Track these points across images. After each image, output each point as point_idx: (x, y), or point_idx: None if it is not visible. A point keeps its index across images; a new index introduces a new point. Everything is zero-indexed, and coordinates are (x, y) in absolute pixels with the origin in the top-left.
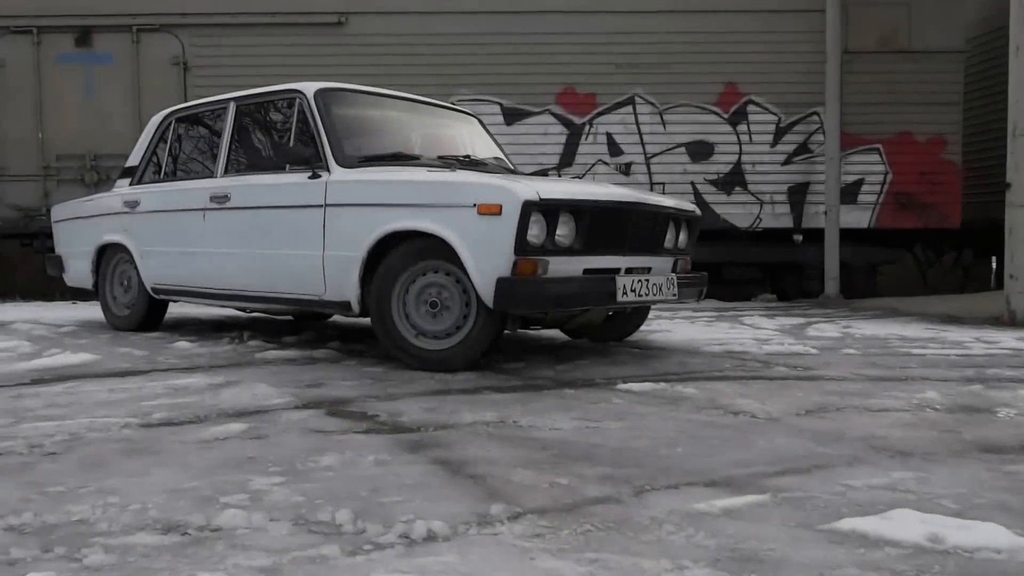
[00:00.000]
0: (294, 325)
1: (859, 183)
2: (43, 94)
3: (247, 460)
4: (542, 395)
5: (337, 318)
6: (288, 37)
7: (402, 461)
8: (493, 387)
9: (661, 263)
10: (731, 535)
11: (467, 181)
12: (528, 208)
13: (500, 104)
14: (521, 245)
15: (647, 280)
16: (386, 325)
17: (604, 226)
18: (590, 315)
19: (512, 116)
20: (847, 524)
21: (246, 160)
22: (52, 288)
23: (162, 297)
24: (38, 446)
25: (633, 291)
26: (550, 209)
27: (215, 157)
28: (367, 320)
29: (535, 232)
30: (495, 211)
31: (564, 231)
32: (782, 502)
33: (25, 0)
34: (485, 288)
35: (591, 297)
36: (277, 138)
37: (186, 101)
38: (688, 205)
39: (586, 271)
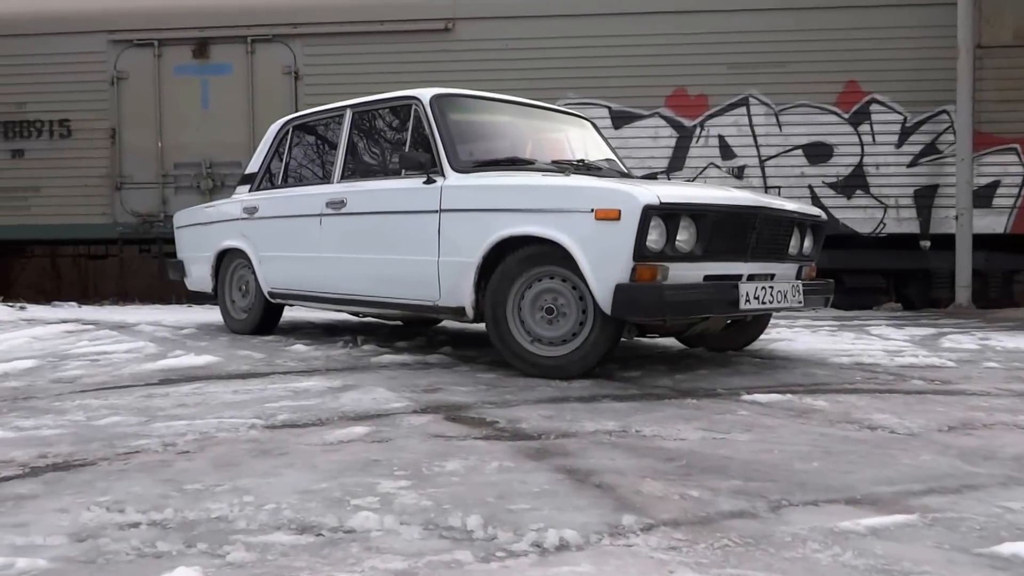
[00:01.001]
0: (404, 330)
1: (994, 185)
2: (162, 105)
3: (372, 463)
4: (663, 404)
5: (446, 323)
6: (396, 44)
7: (526, 468)
8: (612, 395)
9: (785, 269)
10: (880, 556)
11: (584, 185)
12: (648, 213)
13: (608, 108)
14: (640, 251)
15: (771, 287)
16: (501, 331)
17: (726, 231)
18: (709, 323)
19: (621, 119)
20: (1009, 549)
21: (362, 166)
22: (168, 292)
23: (278, 301)
24: (171, 444)
25: (756, 298)
26: (670, 214)
27: (331, 163)
28: (478, 326)
29: (654, 237)
30: (613, 216)
31: (685, 236)
32: (933, 523)
33: (147, 14)
34: (603, 295)
35: (712, 304)
36: (392, 144)
37: (297, 109)
38: (814, 209)
39: (707, 277)
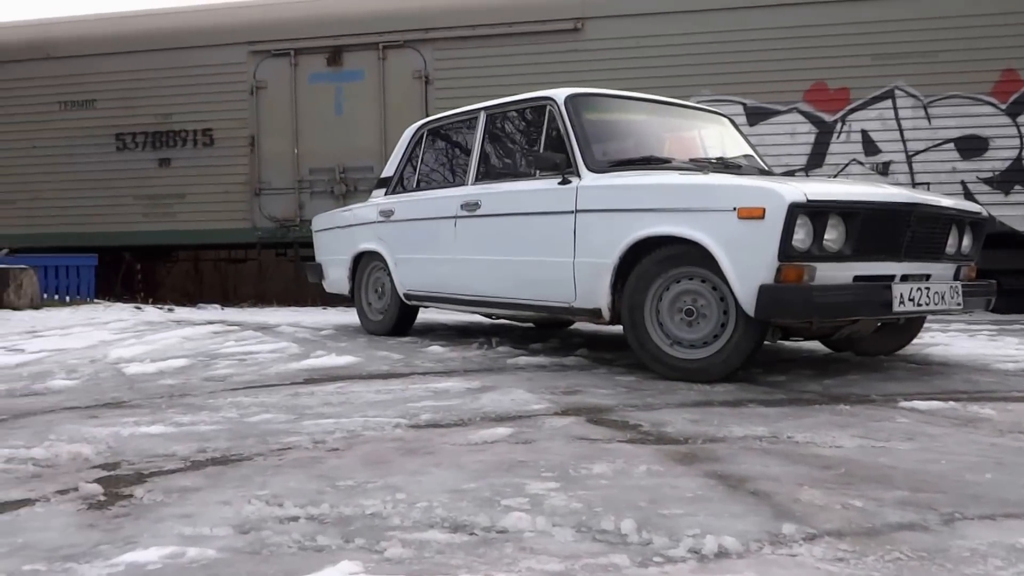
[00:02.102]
0: (537, 332)
1: None
2: (298, 112)
3: (518, 464)
4: (813, 410)
5: (579, 325)
6: (525, 46)
7: (675, 473)
8: (758, 400)
9: (942, 270)
10: None
11: (726, 183)
12: (794, 211)
13: (743, 104)
14: (786, 250)
15: (927, 288)
16: (638, 333)
17: (878, 229)
18: (858, 326)
19: (756, 116)
20: None
21: (496, 168)
22: (304, 294)
23: (414, 303)
24: (321, 442)
25: (911, 300)
26: (818, 211)
27: (465, 165)
28: (614, 328)
29: (801, 236)
30: (757, 214)
31: (833, 235)
32: None
33: (284, 25)
34: (746, 296)
35: (863, 307)
36: (527, 145)
37: (427, 113)
38: (973, 206)
39: (857, 278)
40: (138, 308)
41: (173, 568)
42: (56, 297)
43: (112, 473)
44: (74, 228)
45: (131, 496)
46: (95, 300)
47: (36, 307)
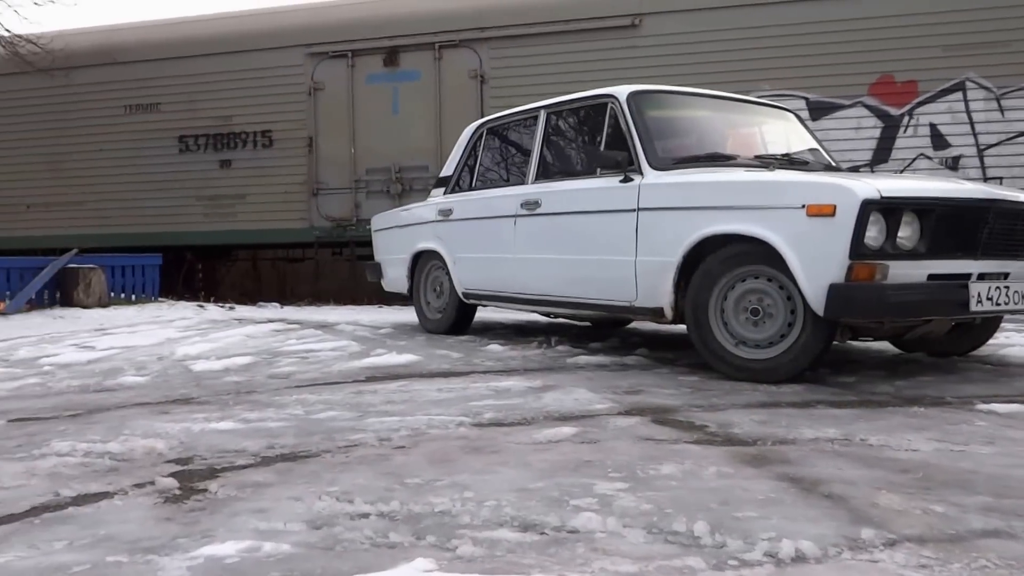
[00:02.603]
0: (595, 331)
1: None
2: (355, 113)
3: (585, 464)
4: (886, 412)
5: (636, 324)
6: (581, 43)
7: (746, 475)
8: (827, 401)
9: (1021, 268)
10: None
11: (794, 180)
12: (867, 207)
13: (806, 99)
14: (857, 248)
15: (1006, 287)
16: (703, 333)
17: (954, 226)
18: (932, 326)
19: (819, 111)
20: None
21: (557, 166)
22: (360, 293)
23: (472, 302)
24: (387, 440)
25: (989, 299)
26: (891, 208)
27: (525, 164)
28: (674, 327)
29: (873, 234)
30: (827, 212)
31: (907, 232)
32: None
33: (341, 27)
34: (815, 295)
35: (938, 306)
36: (588, 143)
37: (483, 112)
38: None
39: (931, 276)
40: (201, 306)
41: (250, 562)
42: (122, 296)
43: (185, 468)
44: (139, 228)
45: (205, 491)
46: (159, 299)
47: (104, 305)
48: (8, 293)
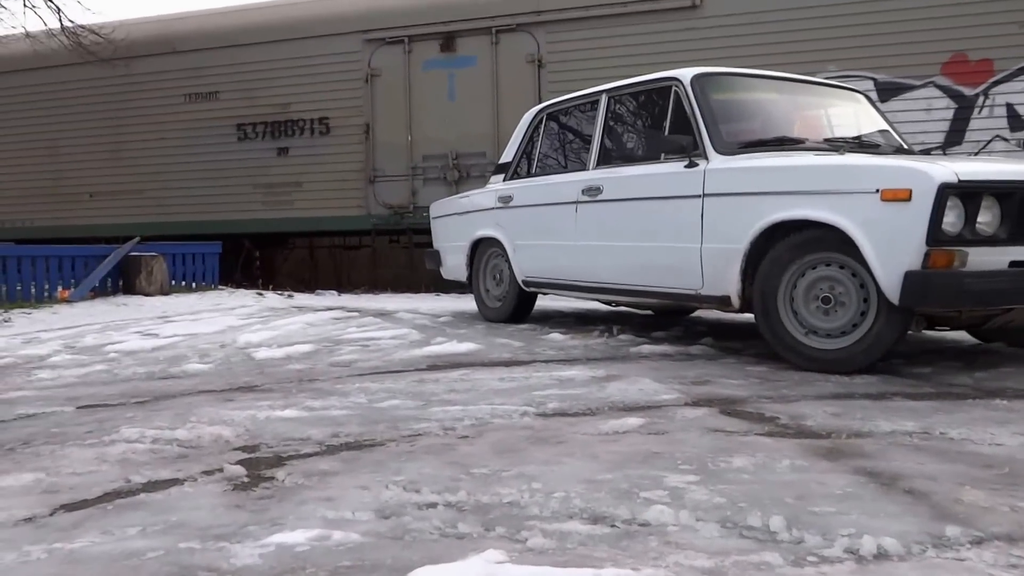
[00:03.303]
0: (658, 320)
1: None
2: (411, 99)
3: (653, 455)
4: (966, 405)
5: (700, 313)
6: (639, 26)
7: (821, 469)
8: (903, 393)
9: None
10: None
11: (868, 164)
12: (944, 192)
13: (874, 79)
14: (935, 234)
15: None
16: (771, 322)
17: None
18: (1013, 315)
19: (888, 92)
20: None
21: (618, 152)
22: (418, 281)
23: (532, 290)
24: (451, 429)
25: None
26: (970, 192)
27: (586, 150)
28: (740, 316)
29: (952, 219)
30: (903, 196)
31: (987, 218)
32: None
33: (398, 13)
34: (890, 283)
35: (1020, 294)
36: (651, 128)
37: (540, 97)
38: None
39: (1013, 263)
40: (260, 294)
41: (321, 550)
42: (183, 283)
43: (253, 455)
44: (198, 216)
45: (273, 479)
46: (219, 286)
47: (165, 293)
48: (73, 281)
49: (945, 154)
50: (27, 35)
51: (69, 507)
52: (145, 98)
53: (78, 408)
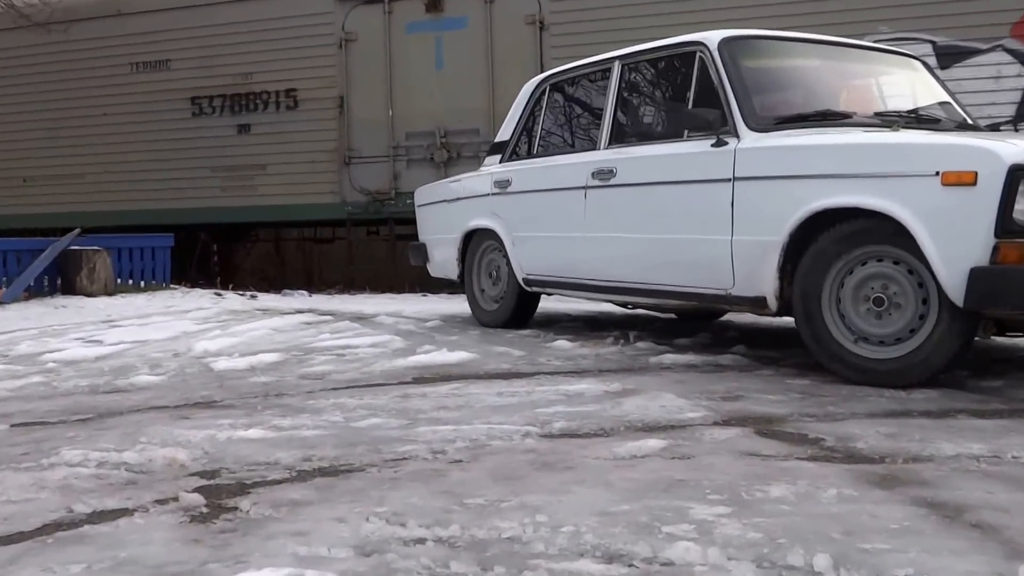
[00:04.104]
0: (680, 324)
1: None
2: (393, 68)
3: (677, 483)
4: None
5: (731, 316)
6: None
7: (873, 499)
8: (969, 410)
9: None
10: None
11: (925, 142)
12: (1016, 175)
13: (932, 42)
14: (1005, 224)
15: None
16: (814, 327)
17: None
18: None
19: (949, 57)
20: None
21: (634, 128)
22: (401, 279)
23: (535, 290)
24: (441, 452)
25: None
26: None
27: (597, 126)
28: (779, 320)
29: None
30: (967, 180)
31: None
32: None
33: None
34: (952, 281)
35: None
36: (672, 100)
37: (542, 65)
38: None
39: None
40: (218, 295)
41: None
42: (130, 282)
43: (212, 482)
44: (147, 205)
45: (236, 509)
46: (171, 285)
47: (110, 293)
48: (4, 279)
49: (1017, 130)
50: None
51: (3, 540)
52: (86, 68)
53: (12, 426)
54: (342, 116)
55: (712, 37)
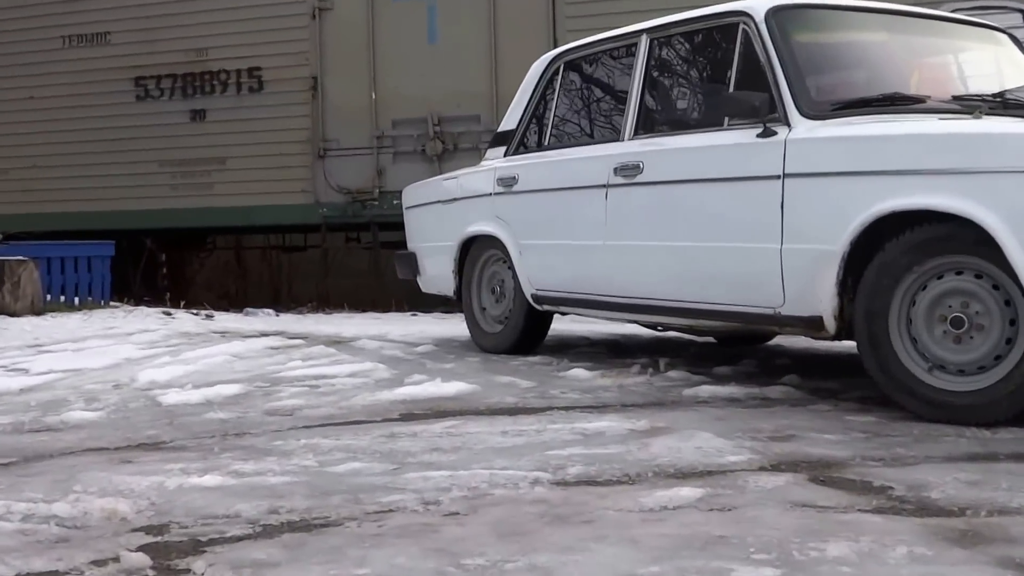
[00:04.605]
0: (719, 349)
1: None
2: (376, 42)
3: (716, 540)
4: None
5: (781, 339)
6: None
7: (951, 559)
8: None
9: None
10: None
11: (1014, 132)
12: None
13: (1022, 12)
14: None
15: None
16: (880, 353)
17: None
18: None
19: None
20: None
21: (665, 115)
22: (386, 294)
23: (546, 308)
24: (434, 503)
25: None
26: None
27: (621, 113)
28: (841, 344)
29: None
30: None
31: None
32: None
33: None
34: None
35: None
36: (710, 82)
37: (555, 39)
38: None
39: None
40: (167, 314)
41: None
42: (62, 298)
43: (160, 539)
44: (82, 206)
45: (188, 571)
46: (112, 303)
47: (38, 312)
48: None
49: None
50: None
51: None
52: (8, 43)
53: None
54: (315, 100)
55: (758, 5)
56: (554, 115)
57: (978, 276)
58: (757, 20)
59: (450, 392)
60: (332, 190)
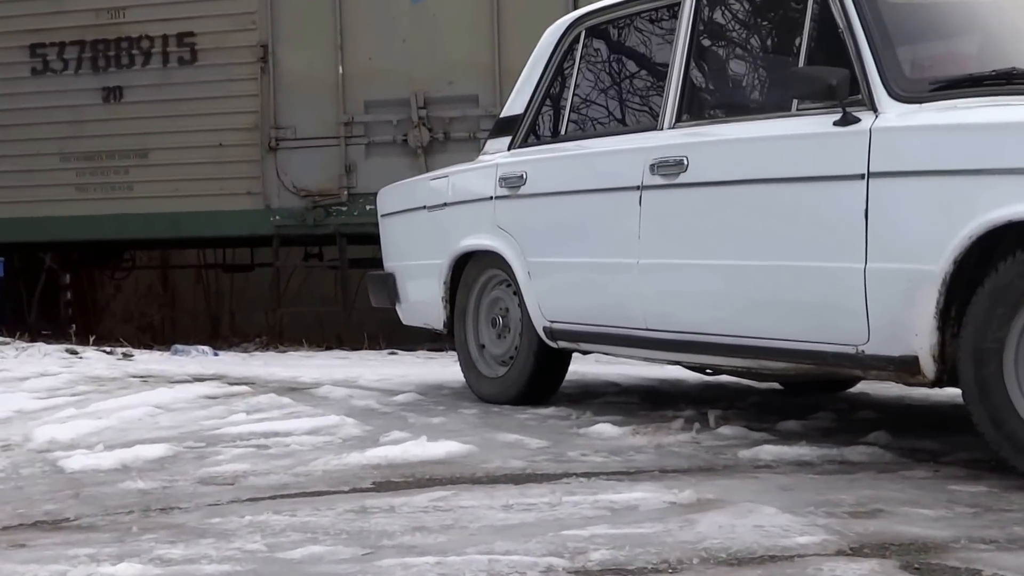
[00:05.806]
0: (787, 399)
1: None
2: (344, 4)
3: None
4: None
5: (865, 385)
6: None
7: None
8: None
9: None
10: None
11: None
12: None
13: None
14: None
15: None
16: (992, 404)
17: None
18: None
19: None
20: None
21: (715, 96)
22: (357, 326)
23: (563, 345)
24: None
25: None
26: None
27: (660, 93)
28: (942, 392)
29: None
30: None
31: None
32: None
33: None
34: None
35: None
36: (774, 54)
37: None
38: None
39: None
40: (72, 352)
41: None
42: None
43: None
44: None
45: None
46: (0, 337)
47: None
48: None
49: None
50: None
51: None
52: None
53: None
54: (265, 75)
55: None
56: (573, 96)
57: None
58: None
59: (438, 454)
60: (287, 192)
